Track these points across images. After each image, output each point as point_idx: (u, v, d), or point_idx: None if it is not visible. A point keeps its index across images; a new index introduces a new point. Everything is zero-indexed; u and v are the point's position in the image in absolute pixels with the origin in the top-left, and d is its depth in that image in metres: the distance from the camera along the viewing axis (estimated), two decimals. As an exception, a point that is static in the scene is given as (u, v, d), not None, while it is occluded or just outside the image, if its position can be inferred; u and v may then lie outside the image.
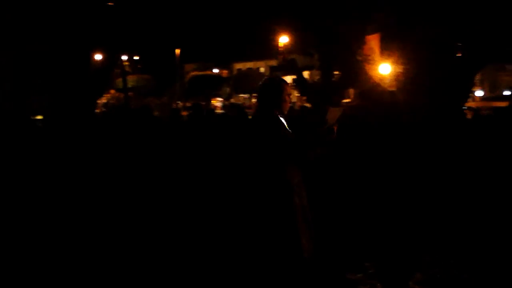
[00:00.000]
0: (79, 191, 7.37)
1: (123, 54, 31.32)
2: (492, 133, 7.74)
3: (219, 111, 37.10)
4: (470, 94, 10.25)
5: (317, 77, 20.16)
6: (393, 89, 8.42)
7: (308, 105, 14.90)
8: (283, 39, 23.17)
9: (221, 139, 7.59)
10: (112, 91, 42.51)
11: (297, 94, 41.81)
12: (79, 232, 6.11)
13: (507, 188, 6.59)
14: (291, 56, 19.30)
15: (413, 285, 4.76)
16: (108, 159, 7.86)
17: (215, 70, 56.46)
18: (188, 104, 34.53)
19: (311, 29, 11.22)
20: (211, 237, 5.89)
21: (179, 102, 43.24)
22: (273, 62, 45.61)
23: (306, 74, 27.59)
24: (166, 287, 4.82)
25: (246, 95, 56.31)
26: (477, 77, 14.90)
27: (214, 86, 51.85)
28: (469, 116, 10.32)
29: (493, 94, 37.51)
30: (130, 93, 32.84)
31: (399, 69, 8.96)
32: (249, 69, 57.47)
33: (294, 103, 41.28)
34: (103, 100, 36.20)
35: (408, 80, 7.12)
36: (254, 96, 53.91)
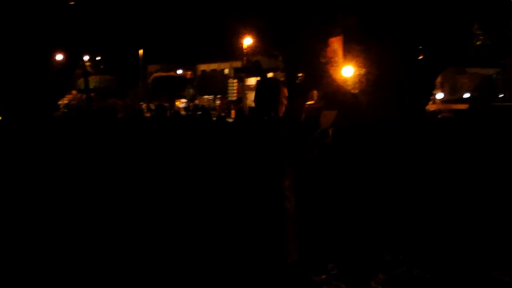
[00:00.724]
0: (37, 193, 7.21)
1: (85, 54, 30.87)
2: (453, 135, 7.89)
3: (182, 112, 36.89)
4: (431, 97, 10.39)
5: (281, 79, 20.23)
6: (356, 91, 8.50)
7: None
8: (247, 41, 23.20)
9: (189, 141, 7.54)
10: (74, 92, 41.89)
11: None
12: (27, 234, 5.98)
13: (468, 188, 6.71)
14: (255, 58, 19.33)
15: (375, 285, 4.80)
16: (67, 161, 7.71)
17: (179, 71, 56.14)
18: (151, 106, 34.22)
19: (275, 31, 11.26)
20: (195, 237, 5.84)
21: (142, 103, 42.88)
22: (238, 64, 45.63)
23: (270, 75, 27.66)
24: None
25: (210, 97, 56.18)
26: (438, 80, 15.16)
27: (178, 87, 51.55)
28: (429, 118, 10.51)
29: (453, 96, 38.30)
30: (92, 94, 32.38)
31: (362, 71, 9.05)
32: (213, 70, 57.36)
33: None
34: (64, 101, 35.61)
35: (370, 82, 7.18)
36: (219, 97, 53.97)
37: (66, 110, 23.88)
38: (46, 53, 11.09)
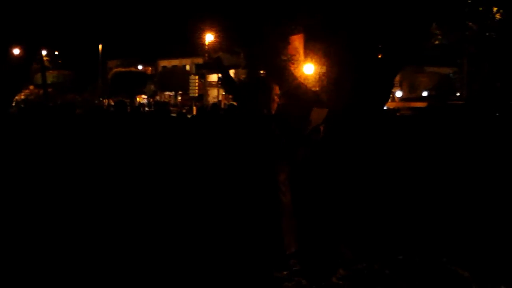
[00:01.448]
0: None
1: (43, 48, 30.24)
2: (412, 133, 8.04)
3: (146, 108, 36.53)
4: (390, 95, 10.54)
5: (243, 76, 20.18)
6: (317, 89, 8.56)
7: (234, 103, 14.90)
8: (209, 37, 23.09)
9: (147, 137, 7.46)
10: (31, 87, 41.09)
11: (223, 93, 41.84)
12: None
13: (426, 184, 6.85)
14: (217, 54, 19.24)
15: (336, 281, 4.85)
16: (22, 159, 7.51)
17: (139, 67, 55.57)
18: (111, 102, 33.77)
19: (237, 28, 11.26)
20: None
21: (102, 98, 42.32)
22: (199, 60, 45.43)
23: (232, 72, 27.60)
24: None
25: (171, 93, 55.81)
26: (397, 78, 15.44)
27: (138, 83, 51.05)
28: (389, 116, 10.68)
29: (412, 95, 39.05)
30: (49, 89, 31.75)
31: (322, 69, 9.11)
32: (175, 66, 57.01)
33: (219, 101, 41.30)
34: (21, 96, 34.83)
35: (331, 80, 7.24)
36: (180, 94, 53.65)
37: (22, 106, 23.36)
38: (1, 47, 10.81)
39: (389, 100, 21.22)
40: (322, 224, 5.95)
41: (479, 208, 6.47)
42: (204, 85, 50.78)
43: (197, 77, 49.34)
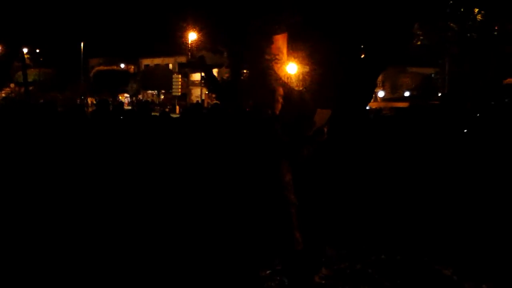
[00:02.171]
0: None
1: (24, 46, 29.90)
2: (394, 133, 8.08)
3: (126, 107, 36.34)
4: (373, 95, 10.59)
5: (226, 75, 20.19)
6: (301, 88, 8.58)
7: (217, 102, 14.87)
8: (192, 36, 23.05)
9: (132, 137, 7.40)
10: (12, 85, 40.65)
11: (206, 92, 41.74)
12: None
13: (409, 183, 6.89)
14: (200, 53, 19.19)
15: (319, 280, 4.86)
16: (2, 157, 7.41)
17: (122, 65, 55.26)
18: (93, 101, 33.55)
19: (220, 26, 11.24)
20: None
21: (83, 97, 42.04)
22: (182, 59, 45.32)
23: (215, 71, 27.54)
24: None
25: (154, 92, 55.58)
26: (379, 78, 15.52)
27: (121, 81, 50.78)
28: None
29: (394, 95, 39.33)
30: (31, 87, 31.43)
31: (306, 69, 9.12)
32: (157, 65, 56.78)
33: (203, 100, 41.25)
34: (2, 94, 34.48)
35: (314, 80, 7.25)
36: (163, 92, 53.45)
37: (3, 103, 23.09)
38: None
39: (372, 100, 21.29)
40: (306, 223, 5.96)
41: (460, 208, 6.52)
42: (187, 84, 50.68)
43: (180, 76, 49.22)
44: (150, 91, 55.53)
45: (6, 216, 6.14)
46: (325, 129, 4.04)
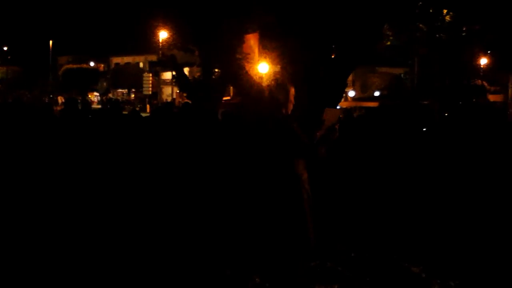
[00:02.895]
0: None
1: (-10, 43, 29.32)
2: (364, 132, 8.15)
3: (96, 106, 35.93)
4: (343, 94, 10.67)
5: (197, 74, 20.09)
6: (272, 87, 8.59)
7: (188, 101, 14.82)
8: (163, 34, 22.88)
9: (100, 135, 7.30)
10: (-22, 84, 39.86)
11: (177, 91, 41.53)
12: None
13: (380, 182, 6.96)
14: (171, 52, 19.07)
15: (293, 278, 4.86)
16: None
17: (91, 64, 54.59)
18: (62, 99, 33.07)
19: (191, 25, 11.19)
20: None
21: (51, 95, 41.42)
22: (153, 57, 44.99)
23: (186, 70, 27.44)
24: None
25: (124, 90, 55.08)
26: (350, 78, 15.68)
27: (90, 80, 50.16)
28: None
29: (364, 94, 39.71)
30: (-2, 86, 30.84)
31: (277, 68, 9.15)
32: (128, 63, 56.28)
33: (174, 99, 41.00)
34: (-33, 93, 33.73)
35: (285, 79, 7.28)
36: (133, 91, 53.00)
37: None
38: None
39: (342, 100, 21.49)
40: (270, 224, 5.98)
41: (428, 207, 6.62)
42: (158, 83, 50.32)
43: (150, 74, 48.83)
44: (120, 90, 55.00)
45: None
46: (337, 127, 4.15)
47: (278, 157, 4.09)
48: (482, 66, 32.11)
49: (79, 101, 10.27)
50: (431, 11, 12.73)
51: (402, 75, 40.86)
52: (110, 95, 51.81)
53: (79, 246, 5.38)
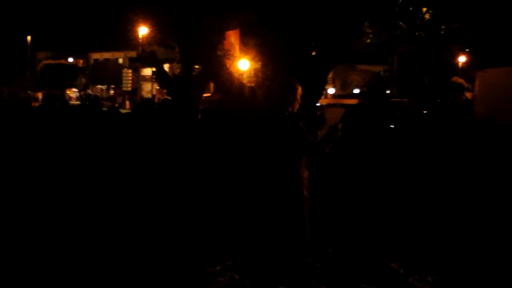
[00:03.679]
0: None
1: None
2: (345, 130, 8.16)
3: (74, 102, 35.59)
4: (323, 92, 10.76)
5: (177, 70, 20.02)
6: (252, 84, 8.60)
7: (169, 97, 14.75)
8: (143, 30, 22.71)
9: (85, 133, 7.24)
10: (-46, 79, 39.22)
11: (157, 87, 41.34)
12: None
13: (357, 179, 7.00)
14: (151, 48, 18.99)
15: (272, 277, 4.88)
16: None
17: (70, 59, 53.98)
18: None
19: (171, 21, 11.14)
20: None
21: (29, 91, 40.95)
22: (133, 53, 44.62)
23: (166, 67, 27.29)
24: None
25: (103, 86, 54.65)
26: (330, 75, 15.76)
27: (69, 76, 49.61)
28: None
29: (344, 92, 39.90)
30: (-26, 81, 30.41)
31: (258, 65, 9.15)
32: (107, 59, 55.85)
33: (154, 95, 40.80)
34: None
35: (265, 76, 7.29)
36: (112, 87, 52.62)
37: None
38: None
39: (322, 97, 21.61)
40: (247, 220, 6.00)
41: (407, 205, 6.68)
42: (138, 79, 50.00)
43: (130, 70, 48.53)
44: (99, 86, 54.55)
45: None
46: (340, 126, 4.19)
47: (282, 155, 4.14)
48: (460, 64, 32.47)
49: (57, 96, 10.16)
50: (411, 9, 12.85)
51: (381, 72, 41.16)
52: (89, 91, 51.37)
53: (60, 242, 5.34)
